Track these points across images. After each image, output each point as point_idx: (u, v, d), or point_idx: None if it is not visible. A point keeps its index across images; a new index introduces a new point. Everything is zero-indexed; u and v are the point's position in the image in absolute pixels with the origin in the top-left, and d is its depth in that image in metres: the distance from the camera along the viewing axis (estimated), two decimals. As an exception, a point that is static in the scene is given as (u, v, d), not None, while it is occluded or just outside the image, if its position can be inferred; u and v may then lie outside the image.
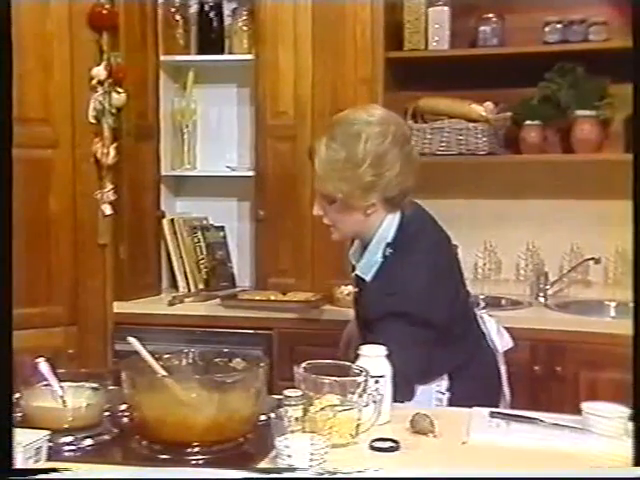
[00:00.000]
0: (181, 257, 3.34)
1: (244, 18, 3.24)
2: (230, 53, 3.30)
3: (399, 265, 1.85)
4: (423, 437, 1.54)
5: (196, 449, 1.49)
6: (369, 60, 3.00)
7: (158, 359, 1.62)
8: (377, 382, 1.56)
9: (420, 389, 1.87)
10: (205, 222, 3.45)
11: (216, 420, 1.49)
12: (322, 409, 1.46)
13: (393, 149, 1.82)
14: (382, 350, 1.63)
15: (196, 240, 3.37)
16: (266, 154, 3.15)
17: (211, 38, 3.30)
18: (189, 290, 3.33)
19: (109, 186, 3.01)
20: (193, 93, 3.38)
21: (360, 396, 1.51)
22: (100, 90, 2.96)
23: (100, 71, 2.95)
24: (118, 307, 3.06)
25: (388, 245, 1.87)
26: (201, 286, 3.34)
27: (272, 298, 3.03)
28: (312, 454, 1.35)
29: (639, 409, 1.31)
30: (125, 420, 1.65)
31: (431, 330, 1.81)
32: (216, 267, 3.39)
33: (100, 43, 2.97)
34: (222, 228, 3.44)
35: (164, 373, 1.59)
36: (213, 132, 3.42)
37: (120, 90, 2.99)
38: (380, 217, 1.88)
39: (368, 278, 1.90)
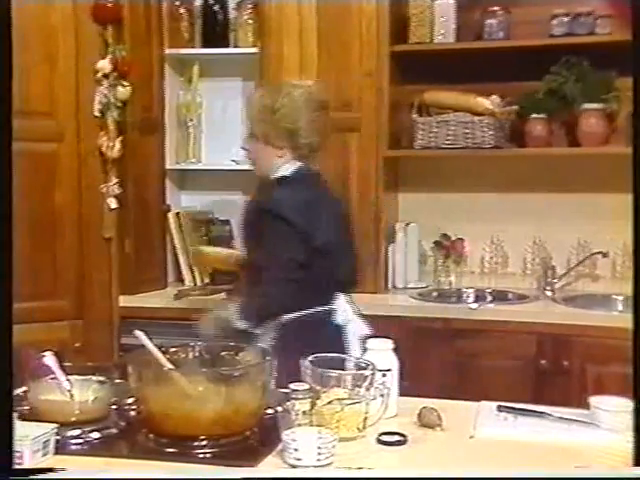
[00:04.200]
0: (186, 251, 3.34)
1: (249, 11, 3.23)
2: (235, 46, 3.29)
3: (282, 187, 2.28)
4: (430, 431, 1.54)
5: (203, 442, 1.50)
6: (374, 53, 2.98)
7: (164, 352, 1.63)
8: (384, 375, 1.56)
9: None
10: (210, 216, 3.45)
11: (223, 413, 1.49)
12: (329, 403, 1.46)
13: (306, 109, 2.28)
14: (389, 344, 1.63)
15: (201, 234, 3.37)
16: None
17: (216, 31, 3.29)
18: (195, 284, 3.33)
19: (114, 180, 3.01)
20: (198, 86, 3.37)
21: (367, 390, 1.51)
22: (105, 83, 2.95)
23: (105, 64, 2.94)
24: (124, 301, 3.06)
25: (283, 176, 2.29)
26: (207, 280, 3.34)
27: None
28: (319, 448, 1.35)
29: (639, 409, 1.32)
30: (132, 413, 1.66)
31: (298, 236, 2.16)
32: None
33: (105, 36, 2.96)
34: (227, 222, 3.44)
35: (170, 366, 1.59)
36: (218, 126, 3.40)
37: (125, 83, 2.98)
38: (288, 162, 2.30)
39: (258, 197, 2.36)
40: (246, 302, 2.20)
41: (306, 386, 1.51)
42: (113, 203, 3.01)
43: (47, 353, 1.65)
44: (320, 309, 2.27)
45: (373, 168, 3.05)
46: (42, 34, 2.85)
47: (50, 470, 1.31)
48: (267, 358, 1.58)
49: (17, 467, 1.36)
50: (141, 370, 1.55)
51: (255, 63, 3.16)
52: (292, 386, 1.51)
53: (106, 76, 2.95)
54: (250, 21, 3.24)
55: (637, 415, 1.33)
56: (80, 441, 1.54)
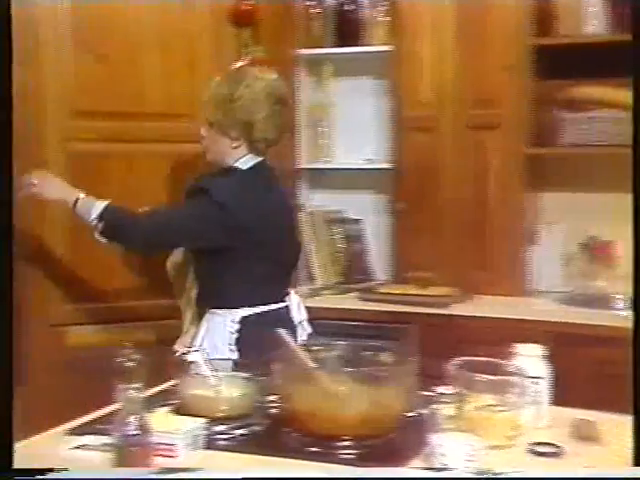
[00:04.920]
0: (318, 250, 3.36)
1: (383, 9, 3.20)
2: (367, 45, 3.27)
3: (230, 175, 2.26)
4: (586, 444, 1.45)
5: (346, 443, 1.49)
6: (515, 47, 2.89)
7: (307, 351, 1.63)
8: (535, 383, 1.50)
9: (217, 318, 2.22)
10: (342, 215, 3.45)
11: (367, 414, 1.48)
12: (479, 408, 1.41)
13: (265, 102, 2.23)
14: (539, 350, 1.56)
15: (333, 233, 3.38)
16: (404, 146, 3.11)
17: (348, 30, 3.28)
18: (326, 283, 3.34)
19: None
20: (330, 86, 3.39)
21: (518, 397, 1.45)
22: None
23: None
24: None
25: (237, 168, 2.26)
26: (338, 279, 3.34)
27: (411, 292, 2.98)
28: (468, 454, 1.31)
29: (639, 408, 1.29)
30: (273, 411, 1.66)
31: (217, 217, 2.15)
32: (353, 260, 3.38)
33: (242, 38, 3.02)
34: (360, 221, 3.43)
35: (314, 365, 1.59)
36: (350, 125, 3.39)
37: (260, 84, 3.03)
38: (242, 154, 2.27)
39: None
40: (114, 209, 2.20)
41: (452, 390, 1.48)
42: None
43: (194, 349, 1.69)
44: (276, 306, 2.27)
45: (513, 167, 2.95)
46: (182, 38, 2.93)
47: (50, 470, 1.31)
48: (411, 359, 1.55)
49: (169, 460, 1.40)
50: (285, 368, 1.56)
51: (388, 61, 3.14)
52: (438, 389, 1.48)
53: (242, 77, 3.01)
54: (383, 19, 3.20)
55: (637, 415, 1.30)
56: (226, 437, 1.55)
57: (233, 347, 2.20)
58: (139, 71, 2.81)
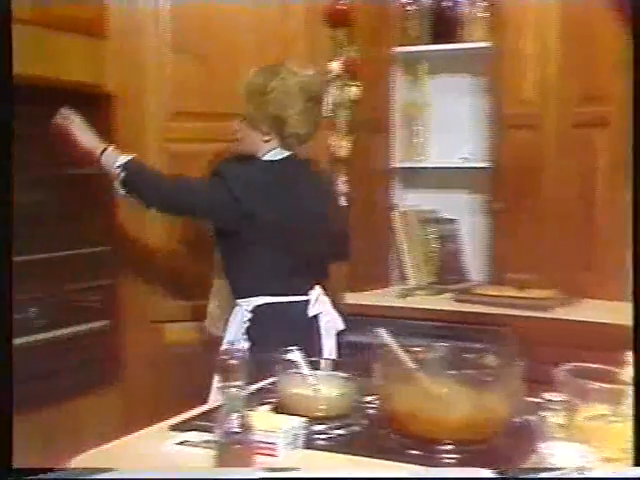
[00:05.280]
0: (411, 250, 3.32)
1: (482, 5, 3.13)
2: (465, 42, 3.21)
3: (253, 162, 2.28)
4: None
5: (448, 447, 1.45)
6: (624, 42, 2.77)
7: (407, 352, 1.60)
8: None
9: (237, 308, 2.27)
10: (437, 214, 3.40)
11: (471, 418, 1.44)
12: (591, 418, 1.35)
13: (299, 98, 2.21)
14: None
15: (427, 233, 3.34)
16: (504, 144, 3.04)
17: (445, 27, 3.23)
18: (418, 283, 3.30)
19: (342, 178, 3.06)
20: (425, 84, 3.35)
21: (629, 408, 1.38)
22: (336, 84, 3.01)
23: (336, 66, 3.00)
24: (348, 298, 3.10)
25: (255, 157, 2.29)
26: (431, 279, 3.30)
27: (509, 294, 2.91)
28: (581, 466, 1.25)
29: (639, 409, 1.23)
30: (371, 411, 1.65)
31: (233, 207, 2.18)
32: (447, 261, 3.33)
33: (336, 38, 3.02)
34: (454, 221, 3.38)
35: (415, 366, 1.56)
36: (446, 123, 3.34)
37: (355, 83, 3.02)
38: (272, 148, 2.28)
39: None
40: (138, 164, 2.28)
41: (561, 397, 1.42)
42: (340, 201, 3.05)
43: (294, 348, 1.69)
44: (294, 299, 2.25)
45: (621, 165, 2.84)
46: (278, 39, 2.95)
47: (50, 470, 1.31)
48: (516, 363, 1.50)
49: (268, 459, 1.40)
50: (386, 369, 1.54)
51: (486, 58, 3.08)
52: (546, 395, 1.42)
53: (337, 77, 3.01)
54: (483, 15, 3.14)
55: (637, 415, 1.28)
56: (325, 437, 1.54)
57: (245, 336, 2.23)
58: (236, 72, 2.84)
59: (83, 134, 2.32)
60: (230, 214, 2.22)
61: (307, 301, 2.28)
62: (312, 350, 2.21)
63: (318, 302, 2.30)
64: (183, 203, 2.31)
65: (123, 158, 2.27)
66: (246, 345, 2.21)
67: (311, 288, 2.30)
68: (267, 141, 2.27)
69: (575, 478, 1.26)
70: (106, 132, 2.65)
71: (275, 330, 2.21)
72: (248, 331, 2.24)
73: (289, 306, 2.26)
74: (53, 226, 2.57)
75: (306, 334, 2.25)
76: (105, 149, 2.29)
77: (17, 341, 2.41)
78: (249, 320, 2.25)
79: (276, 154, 2.29)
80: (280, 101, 2.21)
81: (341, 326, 2.36)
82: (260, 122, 2.24)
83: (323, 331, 2.30)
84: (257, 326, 2.24)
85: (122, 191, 2.29)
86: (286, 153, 2.30)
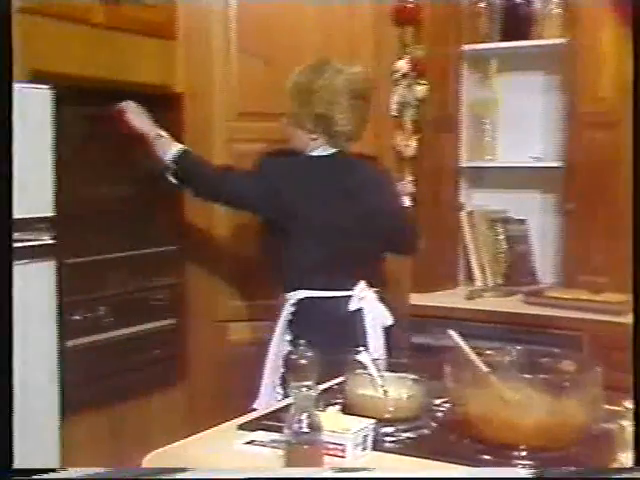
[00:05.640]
0: (479, 250, 3.26)
1: (557, 0, 3.05)
2: (538, 39, 3.12)
3: (296, 157, 2.31)
4: None
5: (522, 453, 1.41)
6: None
7: (479, 355, 1.56)
8: None
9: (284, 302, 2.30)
10: (505, 215, 3.33)
11: (547, 424, 1.40)
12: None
13: (344, 95, 2.20)
14: None
15: (496, 233, 3.28)
16: (579, 143, 2.95)
17: (517, 24, 3.15)
18: (486, 284, 3.24)
19: (409, 178, 3.02)
20: (495, 82, 3.28)
21: None
22: (403, 83, 2.98)
23: (403, 65, 2.97)
24: (414, 299, 3.06)
25: (298, 152, 2.30)
26: (500, 281, 3.24)
27: (583, 297, 2.82)
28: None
29: (639, 409, 1.18)
30: (440, 414, 1.61)
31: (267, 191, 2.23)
32: (517, 262, 3.26)
33: (403, 37, 2.99)
34: (524, 221, 3.30)
35: (487, 369, 1.52)
36: (516, 122, 3.27)
37: (422, 82, 2.99)
38: (320, 145, 2.28)
39: None
40: (190, 155, 2.32)
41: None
42: (407, 201, 3.01)
43: (361, 349, 1.66)
44: (336, 294, 2.24)
45: None
46: (344, 39, 2.93)
47: (51, 470, 1.28)
48: (595, 369, 1.45)
49: (338, 459, 1.38)
50: (459, 371, 1.50)
51: (560, 55, 3.01)
52: (626, 404, 1.36)
53: (404, 76, 2.98)
54: (558, 11, 3.05)
55: (637, 415, 1.26)
56: (393, 439, 1.51)
57: (287, 329, 2.25)
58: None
59: (137, 117, 2.38)
60: (271, 206, 2.25)
61: (350, 296, 2.28)
62: (355, 345, 2.20)
63: (361, 297, 2.29)
64: (227, 193, 2.35)
65: (175, 149, 2.32)
66: (288, 338, 2.23)
67: (355, 284, 2.28)
68: (314, 139, 2.28)
69: (574, 478, 1.24)
70: (176, 133, 2.68)
71: (315, 323, 2.22)
72: (290, 324, 2.26)
73: (331, 300, 2.26)
74: (122, 226, 2.61)
75: (349, 329, 2.25)
76: (159, 135, 2.34)
77: (86, 339, 2.46)
78: (291, 314, 2.27)
79: (323, 150, 2.30)
80: (326, 99, 2.20)
81: (389, 322, 2.34)
82: (306, 121, 2.24)
83: (368, 327, 2.28)
84: (299, 319, 2.26)
85: (174, 182, 2.34)
86: (333, 149, 2.30)
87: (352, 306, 2.27)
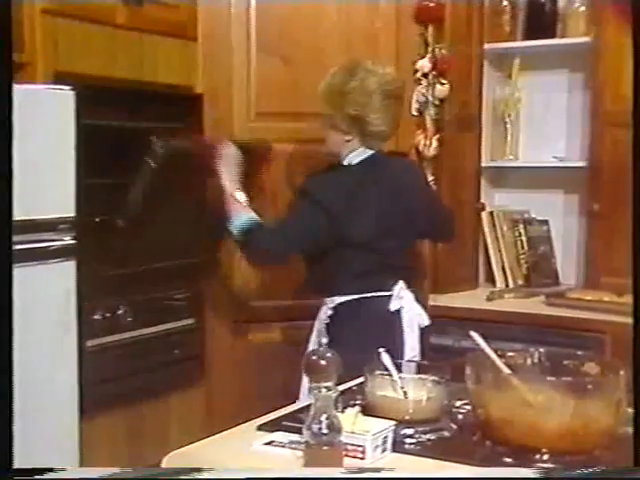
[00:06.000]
0: (500, 251, 3.24)
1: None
2: (563, 37, 3.10)
3: (337, 172, 2.27)
4: None
5: (545, 456, 1.39)
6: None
7: (501, 356, 1.54)
8: None
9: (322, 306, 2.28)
10: (527, 215, 3.30)
11: (570, 427, 1.37)
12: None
13: (377, 96, 2.19)
14: None
15: (517, 234, 3.25)
16: (604, 143, 2.92)
17: (541, 22, 3.12)
18: (507, 285, 3.22)
19: (430, 178, 3.00)
20: (518, 81, 3.25)
21: None
22: (424, 82, 2.97)
23: (425, 64, 2.96)
24: (433, 300, 3.04)
25: (349, 164, 2.27)
26: (521, 282, 3.22)
27: (606, 299, 2.79)
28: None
29: (639, 409, 1.15)
30: (460, 417, 1.60)
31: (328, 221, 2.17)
32: (538, 263, 3.24)
33: (425, 36, 2.97)
34: (546, 222, 3.27)
35: (509, 371, 1.50)
36: (538, 121, 3.25)
37: (444, 81, 2.97)
38: (356, 147, 2.26)
39: None
40: (254, 225, 2.21)
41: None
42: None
43: (381, 350, 1.65)
44: (376, 294, 2.23)
45: None
46: (365, 38, 2.92)
47: (50, 470, 1.27)
48: (620, 373, 1.42)
49: (358, 461, 1.37)
50: (480, 373, 1.48)
51: (586, 53, 2.98)
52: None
53: (425, 75, 2.96)
54: (582, 9, 3.02)
55: (637, 415, 1.26)
56: (413, 441, 1.50)
57: (324, 333, 2.22)
58: (321, 72, 2.82)
59: (227, 167, 2.30)
60: (332, 234, 2.21)
61: (389, 296, 2.26)
62: (393, 345, 2.19)
63: (400, 297, 2.28)
64: (292, 244, 2.25)
65: (245, 217, 2.22)
66: (325, 341, 2.20)
67: (395, 283, 2.28)
68: (348, 141, 2.26)
69: (574, 478, 1.24)
70: (197, 133, 2.68)
71: (355, 325, 2.21)
72: (328, 328, 2.25)
73: (371, 301, 2.25)
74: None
75: (387, 329, 2.24)
76: (235, 197, 2.26)
77: (106, 339, 2.47)
78: (329, 317, 2.26)
79: (358, 155, 2.28)
80: (359, 101, 2.20)
81: (426, 322, 2.33)
82: (340, 122, 2.23)
83: (406, 327, 2.27)
84: (337, 322, 2.24)
85: (239, 244, 2.27)
86: (369, 152, 2.28)
87: (393, 306, 2.26)
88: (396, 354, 2.12)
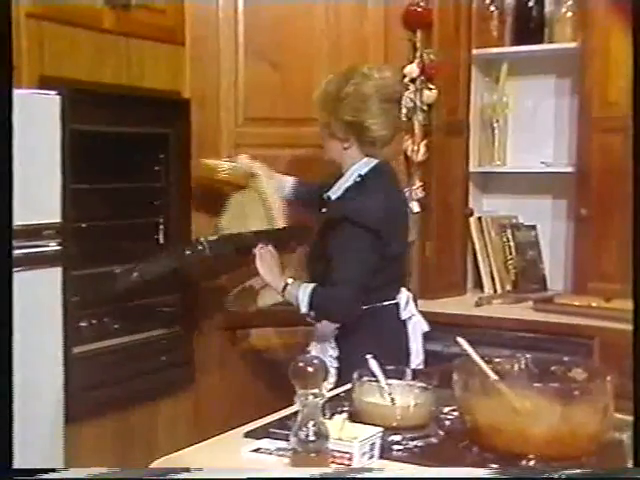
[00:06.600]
0: (488, 256, 3.24)
1: (569, 4, 3.02)
2: (550, 42, 3.09)
3: (363, 190, 2.18)
4: None
5: (531, 462, 1.39)
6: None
7: (488, 362, 1.54)
8: None
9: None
10: (515, 221, 3.31)
11: (557, 434, 1.38)
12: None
13: (374, 101, 2.14)
14: None
15: (505, 239, 3.25)
16: (591, 148, 2.92)
17: (529, 28, 3.12)
18: (495, 291, 3.22)
19: (418, 183, 3.01)
20: (506, 86, 3.25)
21: None
22: (412, 87, 2.96)
23: (413, 69, 2.96)
24: (422, 305, 3.03)
25: (359, 175, 2.19)
26: (509, 287, 3.21)
27: (594, 305, 2.79)
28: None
29: (639, 410, 1.18)
30: (448, 423, 1.59)
31: (377, 245, 2.10)
32: (526, 268, 3.23)
33: (414, 41, 2.97)
34: (534, 227, 3.27)
35: (497, 378, 1.50)
36: (526, 126, 3.25)
37: (431, 87, 2.97)
38: (356, 155, 2.21)
39: (334, 197, 2.24)
40: (318, 293, 2.10)
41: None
42: (416, 207, 3.00)
43: (369, 356, 1.65)
44: (385, 303, 2.21)
45: None
46: (353, 43, 2.92)
47: (52, 470, 1.27)
48: (606, 377, 1.42)
49: (345, 467, 1.36)
50: (467, 379, 1.48)
51: (573, 59, 2.98)
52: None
53: (413, 80, 2.96)
54: (570, 14, 3.03)
55: (637, 415, 1.27)
56: (401, 447, 1.50)
57: (333, 344, 2.19)
58: (309, 77, 2.82)
59: (268, 273, 2.21)
60: (377, 253, 2.14)
61: (397, 305, 2.25)
62: (400, 353, 2.21)
63: (408, 305, 2.27)
64: (362, 288, 2.14)
65: (303, 296, 2.12)
66: (334, 354, 2.18)
67: (399, 291, 2.26)
68: (346, 148, 2.21)
69: (574, 477, 1.23)
70: (185, 138, 2.67)
71: (367, 336, 2.15)
72: (337, 339, 2.20)
73: (382, 311, 2.21)
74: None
75: (397, 337, 2.23)
76: (285, 285, 2.17)
77: (92, 346, 2.45)
78: (337, 329, 2.20)
79: (366, 164, 2.21)
80: (354, 106, 2.15)
81: (426, 327, 2.32)
82: (337, 130, 2.19)
83: (411, 333, 2.26)
84: (346, 334, 2.19)
85: (312, 318, 2.18)
86: (374, 162, 2.22)
87: (404, 314, 2.25)
88: (404, 361, 2.13)
